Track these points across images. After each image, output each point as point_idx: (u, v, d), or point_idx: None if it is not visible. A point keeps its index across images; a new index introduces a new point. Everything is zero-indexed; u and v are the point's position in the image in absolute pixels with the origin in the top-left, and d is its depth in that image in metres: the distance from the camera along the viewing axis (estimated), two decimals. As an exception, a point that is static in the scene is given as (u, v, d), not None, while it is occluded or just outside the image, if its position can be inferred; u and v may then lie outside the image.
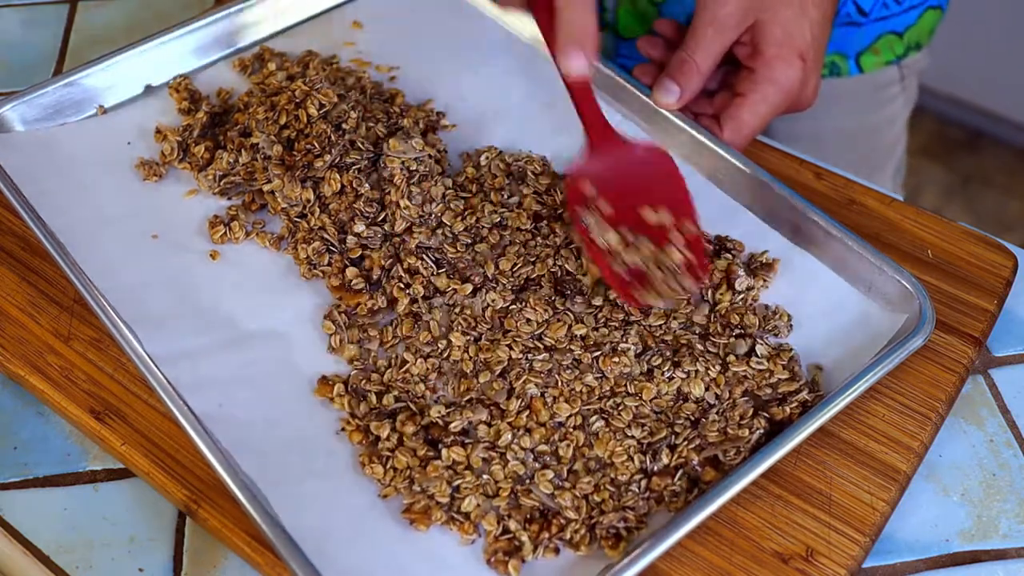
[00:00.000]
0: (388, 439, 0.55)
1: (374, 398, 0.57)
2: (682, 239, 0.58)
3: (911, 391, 0.59)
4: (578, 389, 0.57)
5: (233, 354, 0.59)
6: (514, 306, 0.60)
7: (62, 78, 0.69)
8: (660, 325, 0.60)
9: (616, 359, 0.58)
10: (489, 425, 0.56)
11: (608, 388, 0.58)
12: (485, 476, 0.54)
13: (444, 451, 0.54)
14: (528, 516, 0.53)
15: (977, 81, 1.97)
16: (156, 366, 0.56)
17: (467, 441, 0.55)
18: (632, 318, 0.60)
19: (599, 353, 0.58)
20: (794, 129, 0.90)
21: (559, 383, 0.57)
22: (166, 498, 0.56)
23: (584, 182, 0.60)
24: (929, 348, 0.60)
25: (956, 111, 2.07)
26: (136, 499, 0.57)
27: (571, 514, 0.53)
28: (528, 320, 0.59)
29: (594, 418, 0.56)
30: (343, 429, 0.56)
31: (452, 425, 0.55)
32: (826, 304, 0.62)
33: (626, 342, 0.59)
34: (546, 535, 0.52)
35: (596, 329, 0.60)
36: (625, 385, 0.58)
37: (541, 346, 0.59)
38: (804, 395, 0.57)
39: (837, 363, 0.59)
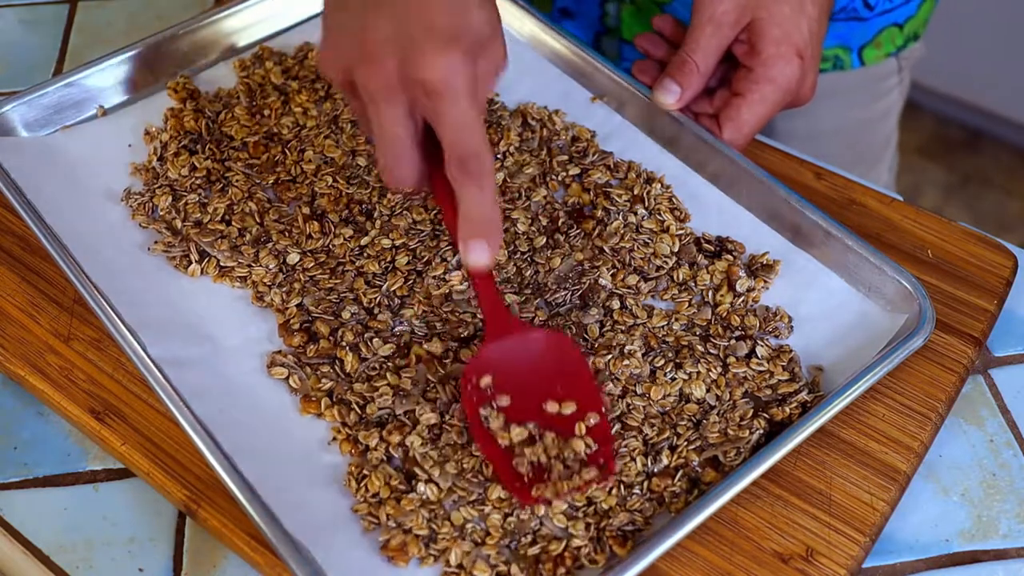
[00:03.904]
0: (376, 449, 0.55)
1: (358, 408, 0.57)
2: (585, 429, 0.55)
3: (911, 391, 0.59)
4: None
5: (232, 362, 0.59)
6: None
7: (62, 78, 0.69)
8: (663, 327, 0.60)
9: (626, 361, 0.58)
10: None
11: (619, 390, 0.57)
12: (470, 526, 0.53)
13: (419, 485, 0.53)
14: (537, 558, 0.52)
15: (977, 81, 1.97)
16: (156, 367, 0.56)
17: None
18: (638, 320, 0.60)
19: (609, 356, 0.58)
20: (793, 125, 0.90)
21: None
22: (166, 498, 0.56)
23: (481, 376, 0.56)
24: (929, 348, 0.60)
25: (956, 111, 2.07)
26: (136, 499, 0.57)
27: (580, 541, 0.52)
28: None
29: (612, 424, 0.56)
30: (334, 439, 0.56)
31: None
32: (826, 304, 0.62)
33: (632, 344, 0.59)
34: (563, 570, 0.51)
35: (602, 335, 0.60)
36: (634, 386, 0.58)
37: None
38: (804, 396, 0.57)
39: (837, 363, 0.59)
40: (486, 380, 0.56)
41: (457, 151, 0.51)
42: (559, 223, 0.65)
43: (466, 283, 0.61)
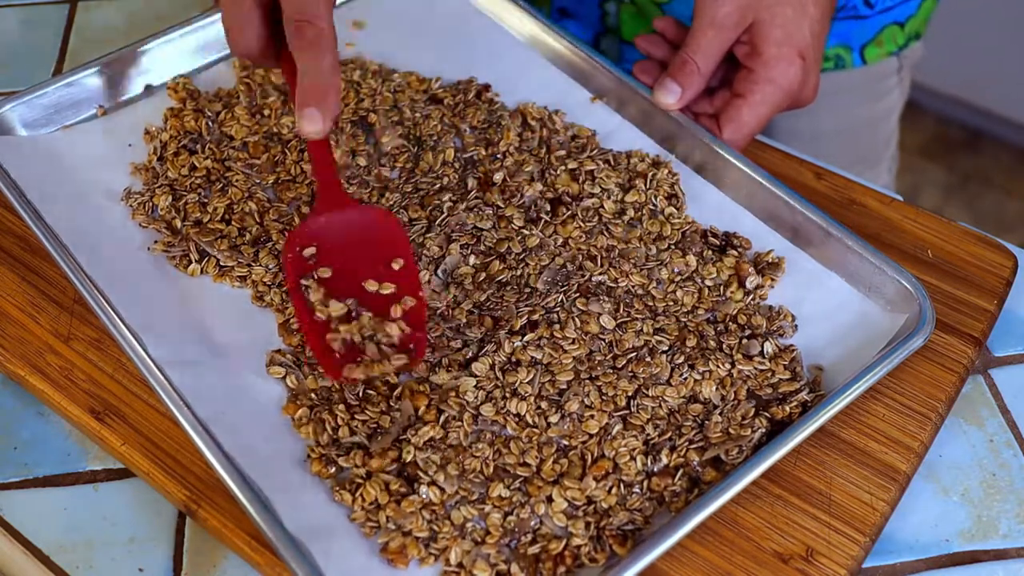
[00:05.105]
0: (359, 467, 0.54)
1: (331, 430, 0.55)
2: (401, 312, 0.56)
3: (911, 391, 0.59)
4: (610, 394, 0.57)
5: (232, 362, 0.59)
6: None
7: (62, 78, 0.69)
8: (687, 313, 0.61)
9: (650, 359, 0.58)
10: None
11: (635, 388, 0.57)
12: (470, 525, 0.53)
13: (422, 488, 0.53)
14: (537, 556, 0.52)
15: (977, 81, 1.97)
16: (157, 367, 0.56)
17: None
18: (667, 306, 0.61)
19: (634, 355, 0.58)
20: (795, 125, 0.90)
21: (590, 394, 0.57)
22: (166, 498, 0.56)
23: (306, 245, 0.57)
24: (929, 348, 0.60)
25: (956, 111, 2.07)
26: (136, 499, 0.57)
27: (580, 540, 0.52)
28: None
29: (615, 423, 0.56)
30: (308, 457, 0.55)
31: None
32: (826, 304, 0.62)
33: (656, 335, 0.59)
34: (563, 568, 0.51)
35: (620, 327, 0.60)
36: (649, 388, 0.58)
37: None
38: (804, 395, 0.57)
39: (837, 363, 0.59)
40: (310, 250, 0.57)
41: (293, 15, 0.52)
42: (539, 212, 0.65)
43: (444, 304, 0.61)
